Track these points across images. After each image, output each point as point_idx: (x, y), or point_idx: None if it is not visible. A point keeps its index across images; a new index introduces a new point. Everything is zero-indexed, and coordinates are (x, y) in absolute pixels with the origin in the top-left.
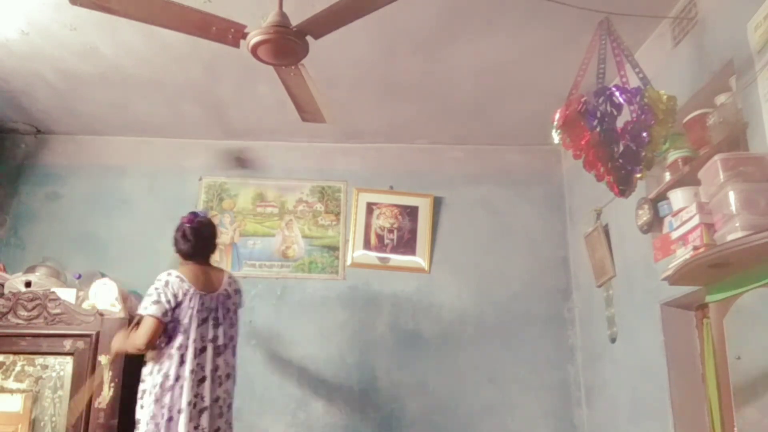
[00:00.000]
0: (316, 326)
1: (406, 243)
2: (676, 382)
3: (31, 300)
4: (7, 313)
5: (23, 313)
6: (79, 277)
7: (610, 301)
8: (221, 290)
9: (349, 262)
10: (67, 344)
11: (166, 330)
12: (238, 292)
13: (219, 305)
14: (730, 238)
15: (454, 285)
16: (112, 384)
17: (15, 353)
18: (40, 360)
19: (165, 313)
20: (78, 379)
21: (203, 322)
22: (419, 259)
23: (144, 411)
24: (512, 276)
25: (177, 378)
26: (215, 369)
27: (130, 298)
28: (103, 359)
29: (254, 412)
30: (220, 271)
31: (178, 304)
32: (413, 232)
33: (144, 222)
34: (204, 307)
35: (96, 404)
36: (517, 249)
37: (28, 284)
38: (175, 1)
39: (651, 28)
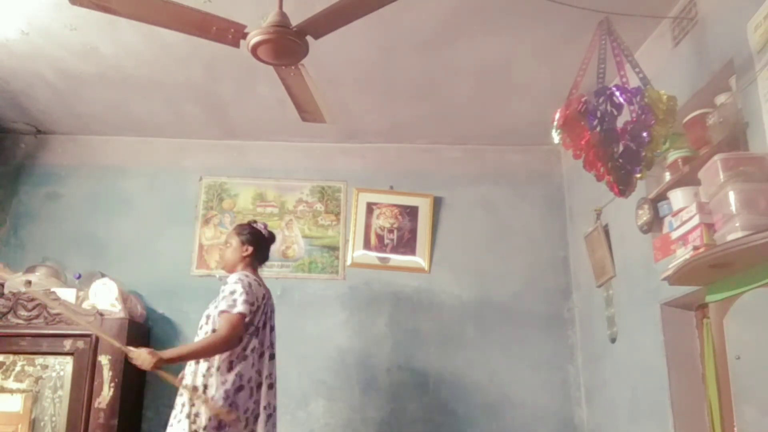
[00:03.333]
0: (316, 326)
1: (406, 243)
2: (676, 382)
3: (31, 300)
4: (7, 313)
5: (23, 313)
6: (79, 277)
7: (610, 301)
8: (271, 300)
9: (349, 262)
10: (67, 344)
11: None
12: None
13: (271, 312)
14: (730, 238)
15: (454, 285)
16: (112, 384)
17: (15, 353)
18: (40, 360)
19: (252, 313)
20: (78, 379)
21: (272, 329)
22: (419, 259)
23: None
24: (512, 276)
25: (249, 380)
26: (274, 376)
27: (130, 298)
28: (103, 359)
29: None
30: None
31: (258, 308)
32: (413, 232)
33: (144, 222)
34: (271, 314)
35: (96, 404)
36: (517, 249)
37: (28, 284)
38: (175, 1)
39: (651, 28)
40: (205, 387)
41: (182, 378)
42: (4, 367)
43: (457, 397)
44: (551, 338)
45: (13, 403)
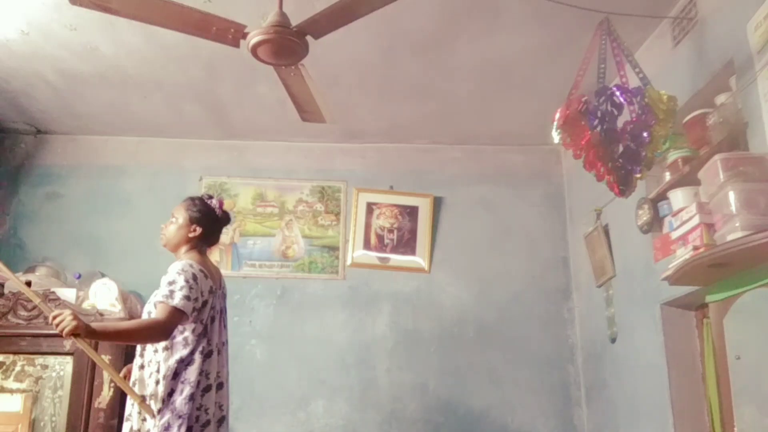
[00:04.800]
0: (316, 326)
1: (406, 243)
2: (676, 382)
3: (31, 300)
4: (7, 313)
5: (23, 313)
6: (79, 277)
7: (610, 301)
8: (223, 287)
9: (349, 262)
10: (67, 344)
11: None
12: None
13: (223, 303)
14: (730, 238)
15: (454, 285)
16: (112, 384)
17: (15, 353)
18: (40, 360)
19: (192, 311)
20: (78, 379)
21: (220, 323)
22: (419, 259)
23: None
24: (512, 276)
25: (197, 384)
26: (227, 375)
27: (130, 298)
28: (103, 359)
29: (254, 412)
30: (216, 266)
31: (204, 304)
32: (413, 232)
33: (144, 222)
34: (220, 307)
35: (96, 404)
36: (517, 249)
37: (28, 284)
38: (175, 1)
39: (651, 28)
40: (152, 396)
41: (128, 377)
42: (4, 367)
43: (457, 397)
44: (551, 338)
45: (13, 403)
